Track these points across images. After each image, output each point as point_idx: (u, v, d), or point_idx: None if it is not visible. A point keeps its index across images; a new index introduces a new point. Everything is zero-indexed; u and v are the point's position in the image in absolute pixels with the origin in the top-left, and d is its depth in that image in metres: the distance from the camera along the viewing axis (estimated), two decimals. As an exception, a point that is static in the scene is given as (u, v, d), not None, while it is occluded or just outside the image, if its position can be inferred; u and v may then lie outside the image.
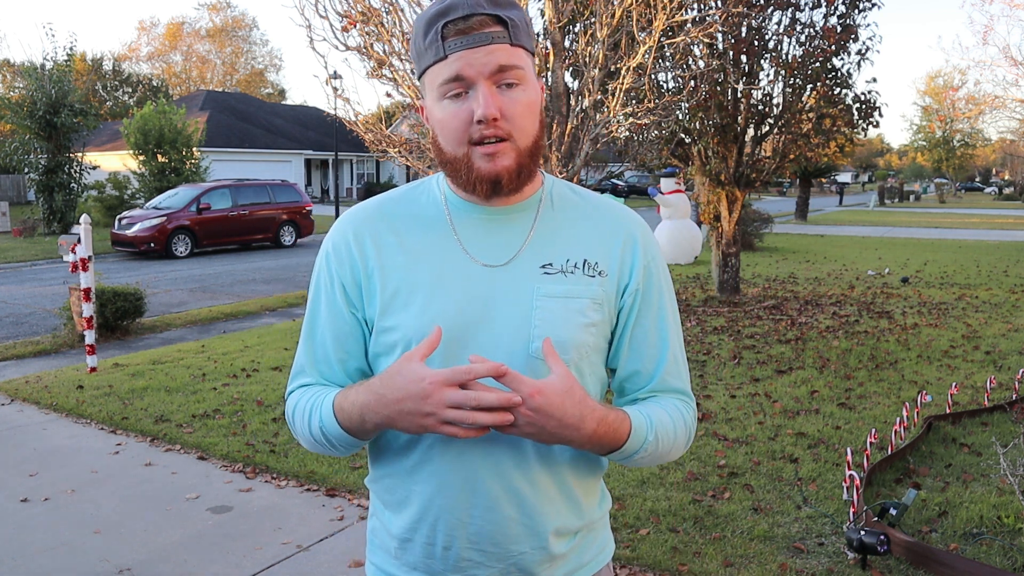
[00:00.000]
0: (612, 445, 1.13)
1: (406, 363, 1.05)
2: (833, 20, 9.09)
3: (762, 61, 9.19)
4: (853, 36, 9.01)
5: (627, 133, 7.65)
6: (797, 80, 9.01)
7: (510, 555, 1.18)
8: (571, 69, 6.74)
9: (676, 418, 1.21)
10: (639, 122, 6.24)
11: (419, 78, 1.18)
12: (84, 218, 6.51)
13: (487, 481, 1.15)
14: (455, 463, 1.15)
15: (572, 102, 6.32)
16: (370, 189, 38.79)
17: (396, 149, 6.39)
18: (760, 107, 9.39)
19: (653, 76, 7.69)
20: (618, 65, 6.11)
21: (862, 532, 3.07)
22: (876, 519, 3.35)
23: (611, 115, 6.02)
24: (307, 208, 18.82)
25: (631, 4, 5.79)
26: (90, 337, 6.45)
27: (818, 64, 8.83)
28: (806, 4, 8.96)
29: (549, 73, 6.16)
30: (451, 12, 1.09)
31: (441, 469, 1.15)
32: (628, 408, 1.17)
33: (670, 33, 6.90)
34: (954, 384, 5.41)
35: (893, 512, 3.33)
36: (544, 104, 1.21)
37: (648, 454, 1.17)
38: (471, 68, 1.09)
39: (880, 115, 9.40)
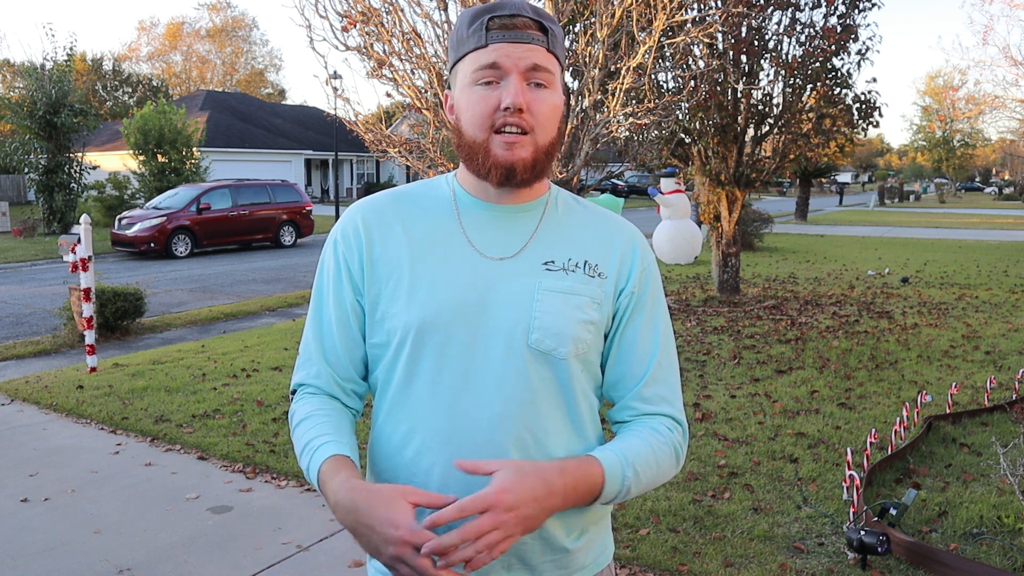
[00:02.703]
0: (590, 491, 1.11)
1: (393, 498, 1.02)
2: (833, 20, 9.09)
3: (762, 61, 9.19)
4: (853, 36, 9.00)
5: (627, 133, 7.65)
6: (797, 80, 9.01)
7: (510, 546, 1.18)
8: (571, 69, 6.74)
9: (655, 442, 1.19)
10: (639, 122, 6.24)
11: (452, 67, 1.22)
12: (84, 218, 6.51)
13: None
14: (455, 454, 1.15)
15: (572, 102, 6.32)
16: (370, 189, 38.81)
17: (396, 149, 6.39)
18: (760, 107, 9.39)
19: (653, 76, 7.69)
20: (618, 65, 6.11)
21: (862, 532, 3.07)
22: (876, 519, 3.35)
23: (611, 115, 6.02)
24: (307, 208, 18.81)
25: (631, 4, 5.79)
26: (90, 337, 6.45)
27: (818, 64, 8.83)
28: (806, 4, 8.96)
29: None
30: (498, 9, 1.15)
31: (440, 460, 1.16)
32: (596, 451, 1.15)
33: (670, 33, 6.90)
34: (954, 384, 5.41)
35: (893, 512, 3.33)
36: (564, 115, 1.23)
37: (635, 487, 1.15)
38: (508, 59, 1.13)
39: (880, 115, 9.40)
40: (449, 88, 1.24)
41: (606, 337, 1.26)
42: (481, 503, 0.99)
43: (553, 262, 1.20)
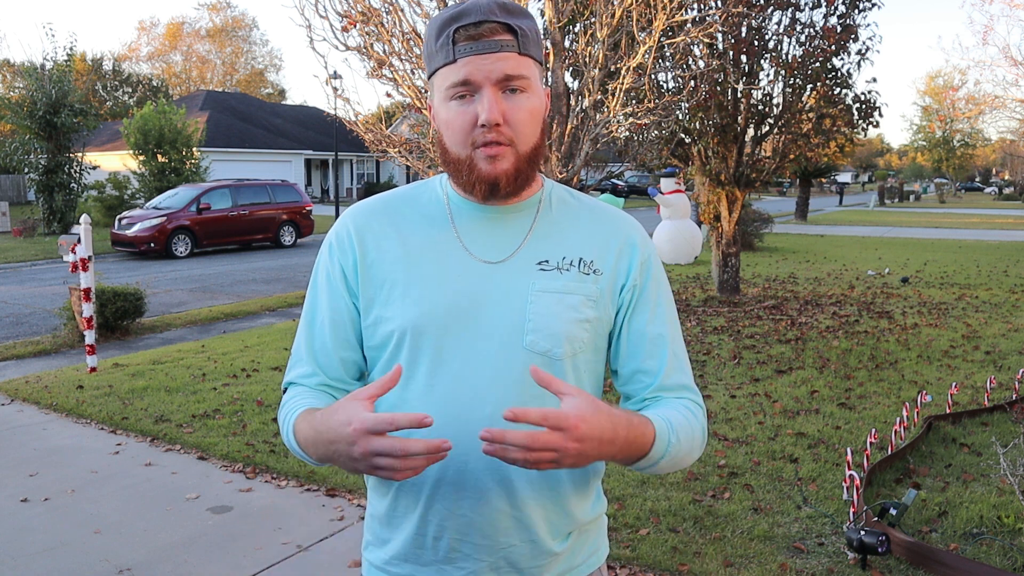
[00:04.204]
0: (640, 451, 1.09)
1: (346, 402, 1.01)
2: (833, 20, 9.09)
3: (762, 61, 9.19)
4: (853, 36, 9.01)
5: (627, 133, 7.65)
6: (797, 80, 9.01)
7: (500, 548, 1.19)
8: (571, 69, 6.74)
9: (690, 418, 1.19)
10: (639, 122, 6.24)
11: (428, 78, 1.21)
12: (84, 218, 6.51)
13: (479, 473, 1.16)
14: (449, 456, 1.15)
15: (572, 102, 6.32)
16: (370, 189, 38.80)
17: (396, 149, 6.39)
18: (760, 107, 9.39)
19: (653, 76, 7.69)
20: (618, 65, 6.11)
21: (862, 532, 3.07)
22: (876, 519, 3.35)
23: (611, 115, 6.02)
24: (307, 208, 18.82)
25: (631, 4, 5.79)
26: (90, 337, 6.45)
27: (818, 64, 8.83)
28: (806, 4, 8.96)
29: (549, 73, 6.16)
30: (463, 17, 1.12)
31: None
32: (646, 412, 1.15)
33: (670, 33, 6.90)
34: (954, 384, 5.41)
35: (893, 512, 3.33)
36: (548, 111, 1.22)
37: (672, 458, 1.14)
38: (479, 73, 1.11)
39: (880, 115, 9.40)
40: (430, 97, 1.24)
41: (611, 334, 1.25)
42: (558, 421, 0.96)
43: (547, 262, 1.20)
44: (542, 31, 6.62)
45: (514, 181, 1.16)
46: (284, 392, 1.30)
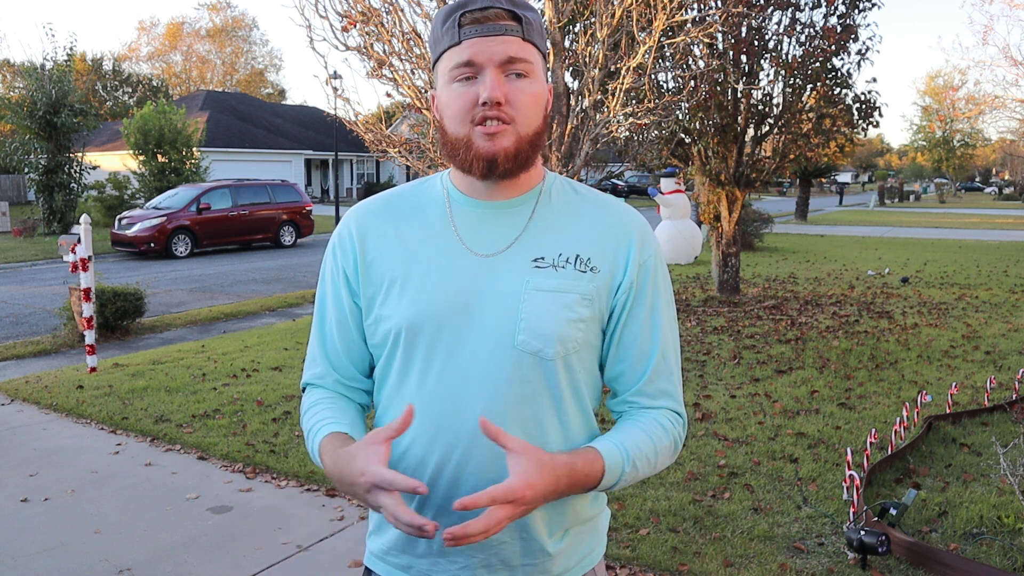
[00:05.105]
0: (586, 487, 1.13)
1: (363, 448, 1.05)
2: (833, 20, 9.09)
3: (762, 61, 9.19)
4: (853, 36, 9.01)
5: (627, 133, 7.65)
6: (797, 80, 9.01)
7: (490, 546, 1.19)
8: (571, 69, 6.74)
9: (657, 436, 1.20)
10: (639, 122, 6.24)
11: (433, 66, 1.21)
12: (84, 218, 6.51)
13: (472, 471, 1.17)
14: (444, 451, 1.17)
15: (572, 102, 6.32)
16: (370, 189, 38.81)
17: (396, 149, 6.39)
18: (760, 107, 9.39)
19: (653, 76, 7.69)
20: (618, 65, 6.12)
21: (862, 532, 3.07)
22: (876, 519, 3.35)
23: (611, 115, 6.02)
24: (307, 208, 18.82)
25: (631, 4, 5.79)
26: (90, 337, 6.45)
27: (818, 64, 8.83)
28: (806, 4, 8.96)
29: (549, 73, 6.16)
30: (470, 3, 1.15)
31: (431, 456, 1.18)
32: (602, 443, 1.16)
33: (670, 33, 6.90)
34: (954, 384, 5.41)
35: (893, 512, 3.33)
36: (550, 105, 1.22)
37: (628, 482, 1.17)
38: (482, 55, 1.13)
39: (880, 115, 9.40)
40: (434, 88, 1.24)
41: (604, 332, 1.24)
42: (509, 495, 1.01)
43: (543, 258, 1.18)
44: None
45: (513, 159, 1.15)
46: (303, 391, 1.32)
